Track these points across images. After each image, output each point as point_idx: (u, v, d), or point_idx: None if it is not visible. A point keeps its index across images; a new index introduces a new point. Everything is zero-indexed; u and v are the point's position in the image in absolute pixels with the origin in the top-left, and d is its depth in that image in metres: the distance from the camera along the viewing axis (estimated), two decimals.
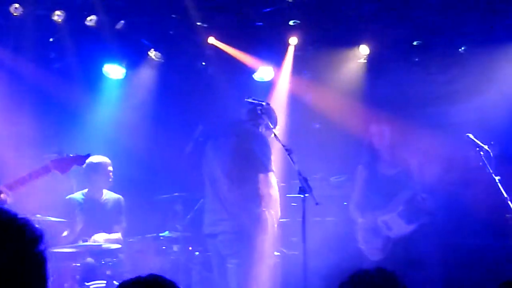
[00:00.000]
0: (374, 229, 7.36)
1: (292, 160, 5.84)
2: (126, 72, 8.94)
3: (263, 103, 6.35)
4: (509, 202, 6.21)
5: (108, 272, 7.02)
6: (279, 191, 6.66)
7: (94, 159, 7.44)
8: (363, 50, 9.13)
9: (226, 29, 8.78)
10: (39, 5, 7.95)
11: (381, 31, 8.72)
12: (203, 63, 9.49)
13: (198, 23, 8.60)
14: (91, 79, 8.87)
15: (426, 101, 9.04)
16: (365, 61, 9.28)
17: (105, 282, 6.91)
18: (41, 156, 6.62)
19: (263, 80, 9.40)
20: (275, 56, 9.24)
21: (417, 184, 7.45)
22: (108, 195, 7.90)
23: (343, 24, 8.64)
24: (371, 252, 7.35)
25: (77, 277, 6.83)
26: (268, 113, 6.52)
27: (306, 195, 5.66)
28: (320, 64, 9.26)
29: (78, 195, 7.81)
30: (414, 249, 7.24)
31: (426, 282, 7.13)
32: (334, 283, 3.12)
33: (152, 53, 9.07)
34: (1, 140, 7.52)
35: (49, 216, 6.91)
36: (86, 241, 7.09)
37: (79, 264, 6.95)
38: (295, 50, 9.16)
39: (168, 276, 2.51)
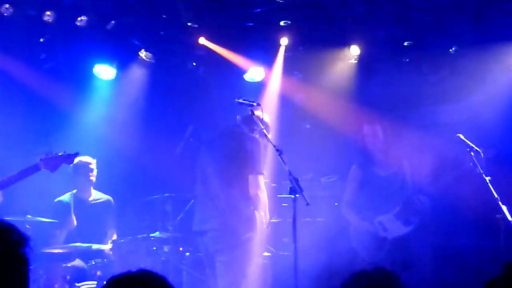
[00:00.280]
0: (368, 230, 7.34)
1: (282, 161, 5.85)
2: (117, 73, 8.92)
3: (254, 104, 6.35)
4: (500, 203, 6.22)
5: (98, 273, 7.03)
6: (269, 191, 6.72)
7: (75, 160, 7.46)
8: (354, 50, 9.13)
9: (216, 30, 8.78)
10: (30, 5, 7.93)
11: (372, 31, 8.76)
12: (194, 64, 9.48)
13: (189, 24, 8.59)
14: (82, 79, 8.85)
15: (417, 101, 9.09)
16: (356, 61, 9.29)
17: (95, 282, 6.93)
18: (30, 155, 6.64)
19: (253, 81, 9.41)
20: (266, 57, 9.24)
21: (413, 185, 7.46)
22: (98, 195, 7.93)
23: (334, 24, 8.65)
24: (365, 252, 7.33)
25: (68, 277, 6.85)
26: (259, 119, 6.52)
27: (296, 195, 5.69)
28: (311, 64, 9.28)
29: (66, 197, 7.82)
30: (405, 249, 7.27)
31: (416, 282, 7.13)
32: (325, 283, 3.14)
33: (143, 54, 9.07)
34: None
35: (39, 217, 6.92)
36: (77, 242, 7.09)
37: (69, 265, 6.97)
38: (286, 51, 9.16)
39: None
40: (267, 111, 7.18)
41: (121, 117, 9.00)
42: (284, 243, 7.88)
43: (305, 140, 9.31)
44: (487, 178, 6.38)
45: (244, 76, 9.38)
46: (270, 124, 6.97)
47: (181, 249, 7.83)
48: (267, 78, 9.38)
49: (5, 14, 7.65)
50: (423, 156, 7.95)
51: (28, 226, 6.76)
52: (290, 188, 5.70)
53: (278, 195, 8.03)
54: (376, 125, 7.62)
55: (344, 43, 9.12)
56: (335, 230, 7.89)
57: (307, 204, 5.63)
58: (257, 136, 6.72)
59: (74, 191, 7.85)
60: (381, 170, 7.54)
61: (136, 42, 9.01)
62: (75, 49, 8.60)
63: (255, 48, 9.21)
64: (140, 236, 7.52)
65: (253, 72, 9.34)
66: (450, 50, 8.81)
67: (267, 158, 6.93)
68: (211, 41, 8.93)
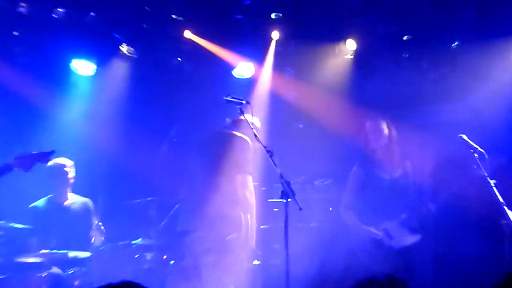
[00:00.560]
0: (374, 238, 7.20)
1: (273, 163, 5.83)
2: (97, 68, 8.92)
3: (243, 102, 6.33)
4: (505, 208, 6.21)
5: (76, 283, 7.01)
6: (260, 195, 6.72)
7: (49, 163, 7.41)
8: (350, 45, 9.13)
9: (203, 23, 8.76)
10: None
11: (369, 25, 8.74)
12: (179, 59, 9.46)
13: (174, 16, 8.61)
14: (59, 75, 8.84)
15: (416, 100, 9.10)
16: (352, 57, 9.28)
17: None
18: (3, 155, 6.60)
19: (243, 77, 9.42)
20: (256, 52, 9.25)
21: (419, 189, 7.34)
22: (74, 198, 7.87)
23: (329, 17, 8.64)
24: (368, 260, 7.14)
25: None
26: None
27: (288, 199, 5.67)
28: (304, 60, 9.27)
29: (41, 202, 7.78)
30: (406, 254, 7.20)
31: None
32: None
33: (124, 48, 9.04)
34: None
35: (14, 223, 6.90)
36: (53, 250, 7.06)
37: (45, 274, 6.91)
38: (277, 45, 9.17)
39: None
40: (257, 110, 7.19)
41: (101, 115, 8.97)
42: (275, 250, 7.87)
43: (297, 140, 9.31)
44: (492, 182, 6.38)
45: (232, 72, 9.38)
46: (260, 126, 6.98)
47: (165, 257, 7.75)
48: (257, 75, 9.38)
49: None
50: (423, 158, 7.93)
51: (1, 232, 6.73)
52: (282, 191, 5.68)
53: (269, 200, 8.01)
54: (380, 121, 7.44)
55: (340, 37, 9.11)
56: (329, 236, 7.86)
57: (300, 208, 5.62)
58: (246, 138, 6.75)
59: (49, 196, 7.81)
60: (384, 172, 7.29)
61: (117, 36, 8.97)
62: (51, 43, 8.55)
63: (245, 43, 9.18)
64: (121, 243, 7.53)
65: (242, 68, 9.35)
66: (452, 45, 8.80)
67: (257, 160, 6.93)
68: (197, 35, 8.92)
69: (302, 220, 7.89)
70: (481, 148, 6.63)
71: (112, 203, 8.55)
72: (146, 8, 8.42)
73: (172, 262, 7.65)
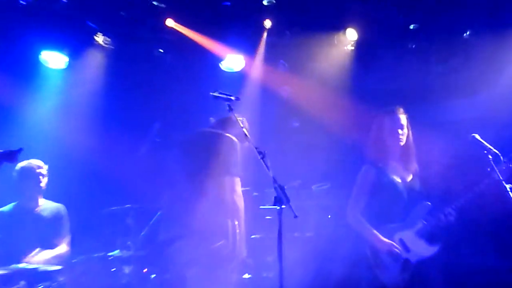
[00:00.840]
0: (391, 251, 6.95)
1: (266, 165, 5.72)
2: (69, 61, 8.93)
3: (232, 98, 6.24)
4: None
5: None
6: (250, 202, 6.70)
7: (20, 164, 7.41)
8: (350, 34, 9.15)
9: (187, 10, 8.76)
10: None
11: (372, 12, 8.69)
12: (160, 50, 9.52)
13: (154, 3, 8.59)
14: (27, 68, 8.82)
15: (423, 95, 9.03)
16: (353, 48, 9.31)
17: None
18: None
19: (232, 71, 9.44)
20: (246, 43, 9.25)
21: (437, 194, 7.20)
22: (46, 204, 7.77)
23: (327, 3, 8.60)
24: (388, 280, 6.93)
25: None
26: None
27: (282, 206, 5.55)
28: (299, 51, 9.27)
29: (7, 208, 7.68)
30: (420, 265, 7.08)
31: None
32: None
33: (100, 38, 9.05)
34: None
35: None
36: (19, 262, 6.94)
37: None
38: (269, 35, 9.19)
39: None
40: (248, 107, 7.18)
41: (74, 112, 8.98)
42: (267, 262, 7.87)
43: (292, 140, 9.38)
44: (508, 186, 6.27)
45: (220, 65, 9.40)
46: (249, 126, 6.92)
47: (145, 270, 7.69)
48: (248, 68, 9.40)
49: None
50: (431, 161, 7.85)
51: None
52: (275, 197, 5.56)
53: (261, 206, 7.97)
54: (402, 115, 7.16)
55: (339, 26, 9.12)
56: (327, 247, 7.84)
57: (295, 216, 5.49)
58: (234, 138, 6.74)
59: (18, 200, 7.70)
60: (397, 175, 7.16)
61: (92, 24, 8.96)
62: (18, 32, 8.51)
63: (233, 32, 9.17)
64: (97, 255, 7.46)
65: (231, 60, 9.37)
66: (464, 35, 8.81)
67: (248, 163, 6.87)
68: (181, 24, 8.92)
69: (298, 229, 8.02)
70: (496, 149, 6.53)
71: (86, 210, 8.49)
72: None
73: (153, 275, 7.59)
